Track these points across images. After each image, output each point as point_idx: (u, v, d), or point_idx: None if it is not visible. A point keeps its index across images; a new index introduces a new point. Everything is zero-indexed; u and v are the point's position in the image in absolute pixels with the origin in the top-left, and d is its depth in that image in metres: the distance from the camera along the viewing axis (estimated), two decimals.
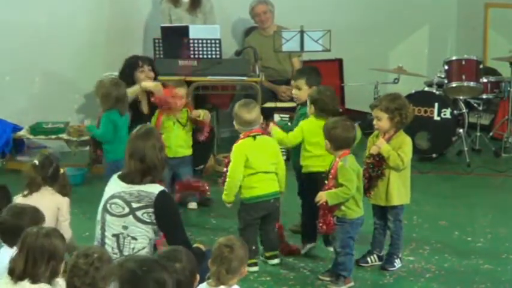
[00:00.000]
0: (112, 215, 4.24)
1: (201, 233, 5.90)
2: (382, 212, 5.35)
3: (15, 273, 3.40)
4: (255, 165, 5.25)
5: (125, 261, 2.92)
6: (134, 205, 4.20)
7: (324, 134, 5.03)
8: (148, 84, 6.62)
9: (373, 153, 5.19)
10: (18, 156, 7.83)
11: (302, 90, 5.74)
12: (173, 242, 4.14)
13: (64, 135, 7.56)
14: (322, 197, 4.89)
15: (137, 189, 4.22)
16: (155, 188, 4.24)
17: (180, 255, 3.45)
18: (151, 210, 4.19)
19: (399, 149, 5.16)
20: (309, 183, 5.45)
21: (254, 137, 5.29)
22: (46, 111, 8.09)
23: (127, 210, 4.20)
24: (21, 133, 7.79)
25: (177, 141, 6.40)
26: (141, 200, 4.19)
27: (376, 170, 5.16)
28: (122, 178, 4.34)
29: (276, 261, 5.42)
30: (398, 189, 5.23)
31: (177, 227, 4.32)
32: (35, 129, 7.76)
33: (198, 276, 3.45)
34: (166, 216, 4.26)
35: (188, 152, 6.46)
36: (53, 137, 7.73)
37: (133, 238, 4.20)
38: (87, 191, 6.65)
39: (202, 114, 6.35)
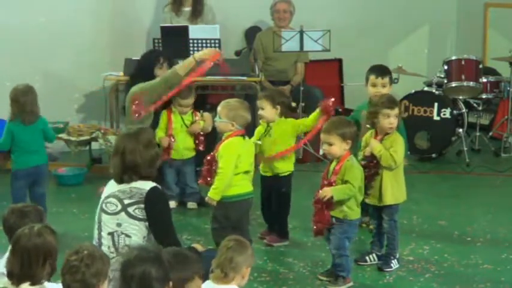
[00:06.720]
0: (107, 213, 4.26)
1: (199, 233, 5.89)
2: (378, 212, 5.36)
3: (14, 276, 3.39)
4: (241, 164, 5.20)
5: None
6: (126, 201, 4.21)
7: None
8: (202, 52, 6.32)
9: (366, 154, 5.22)
10: None
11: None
12: (162, 240, 4.04)
13: (64, 135, 7.55)
14: (327, 192, 4.88)
15: (130, 186, 4.23)
16: (147, 185, 4.24)
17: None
18: (142, 206, 4.18)
19: (390, 147, 5.18)
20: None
21: (243, 136, 5.28)
22: (46, 111, 8.06)
23: (120, 207, 4.21)
24: None
25: (184, 144, 6.47)
26: (133, 196, 4.20)
27: (370, 169, 5.18)
28: (114, 178, 4.34)
29: None
30: (391, 189, 5.23)
31: (166, 224, 4.27)
32: None
33: (170, 284, 3.28)
34: (156, 212, 4.20)
35: (193, 153, 6.51)
36: None
37: (127, 235, 4.19)
38: (87, 191, 6.65)
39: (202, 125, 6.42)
